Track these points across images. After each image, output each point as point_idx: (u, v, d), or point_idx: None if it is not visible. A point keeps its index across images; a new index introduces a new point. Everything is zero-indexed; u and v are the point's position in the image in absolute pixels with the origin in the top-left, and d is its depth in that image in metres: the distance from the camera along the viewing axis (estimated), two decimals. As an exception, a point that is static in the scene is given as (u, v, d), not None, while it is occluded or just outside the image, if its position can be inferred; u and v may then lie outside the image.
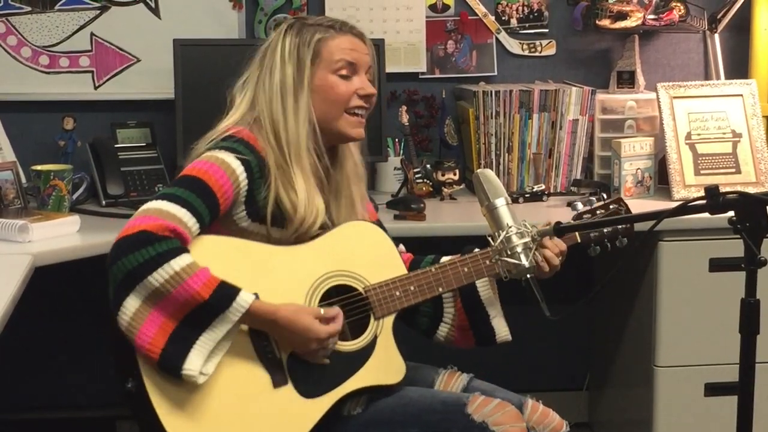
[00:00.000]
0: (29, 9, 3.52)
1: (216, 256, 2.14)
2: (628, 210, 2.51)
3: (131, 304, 2.05)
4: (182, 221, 2.10)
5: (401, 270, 2.37)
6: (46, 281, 2.68)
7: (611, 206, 2.49)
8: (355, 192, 2.41)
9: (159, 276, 2.03)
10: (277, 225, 2.27)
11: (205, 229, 2.17)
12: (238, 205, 2.24)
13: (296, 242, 2.28)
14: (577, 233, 2.46)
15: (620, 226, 2.48)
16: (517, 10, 3.72)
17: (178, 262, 2.04)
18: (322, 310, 2.19)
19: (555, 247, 2.39)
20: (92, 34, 3.56)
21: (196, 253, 2.11)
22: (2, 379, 3.55)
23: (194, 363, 2.06)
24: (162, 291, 2.04)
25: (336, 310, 2.22)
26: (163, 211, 2.09)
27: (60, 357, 3.68)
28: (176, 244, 2.07)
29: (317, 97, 2.31)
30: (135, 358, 2.08)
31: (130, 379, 2.11)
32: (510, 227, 2.26)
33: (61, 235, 2.84)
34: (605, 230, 2.47)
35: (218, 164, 2.19)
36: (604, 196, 2.46)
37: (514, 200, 3.25)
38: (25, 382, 3.68)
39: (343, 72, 2.32)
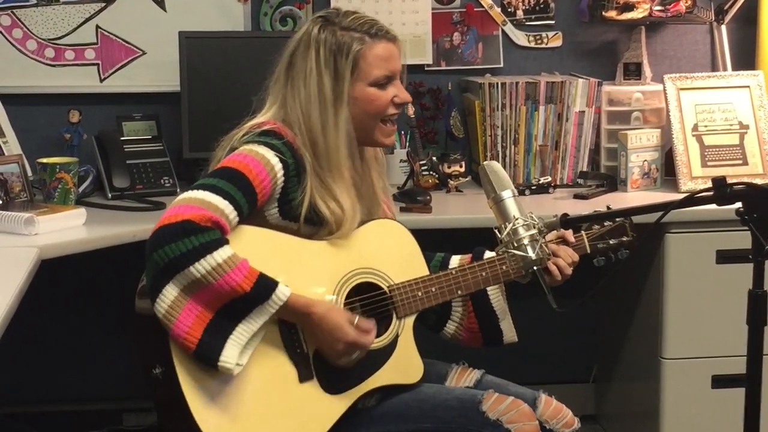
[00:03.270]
0: (35, 2, 3.52)
1: (247, 246, 2.14)
2: (632, 224, 2.52)
3: (170, 293, 2.04)
4: (224, 213, 2.10)
5: (424, 270, 2.38)
6: (52, 274, 2.68)
7: (616, 219, 2.50)
8: (375, 177, 2.41)
9: (201, 267, 2.03)
10: (310, 224, 2.27)
11: (242, 221, 2.17)
12: (272, 202, 2.24)
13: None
14: (587, 244, 2.47)
15: (625, 239, 2.49)
16: (523, 1, 3.71)
17: (221, 254, 2.04)
18: (356, 318, 2.20)
19: (568, 257, 2.41)
20: (98, 27, 3.56)
21: (230, 242, 2.11)
22: (8, 372, 3.55)
23: (230, 354, 2.06)
24: (203, 282, 2.04)
25: (371, 324, 2.22)
26: (205, 201, 2.09)
27: (66, 350, 3.69)
28: (218, 235, 2.07)
29: (355, 108, 2.29)
30: (167, 344, 2.08)
31: (158, 365, 2.11)
32: (516, 219, 2.26)
33: (67, 228, 2.84)
34: (611, 242, 2.49)
35: (258, 159, 2.19)
36: (610, 206, 2.47)
37: (521, 192, 3.25)
38: (31, 375, 3.69)
39: (381, 83, 2.30)
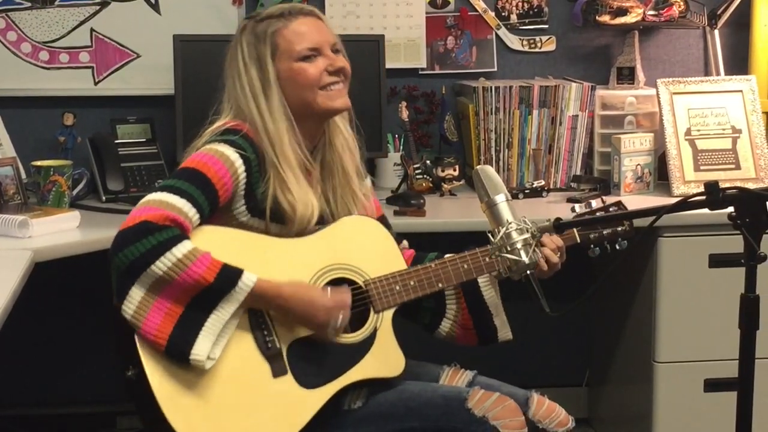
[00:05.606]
0: (29, 5, 3.52)
1: (216, 246, 2.16)
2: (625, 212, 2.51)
3: (136, 294, 2.07)
4: (182, 211, 2.12)
5: (401, 265, 2.38)
6: (46, 277, 2.69)
7: (611, 208, 2.50)
8: (349, 165, 2.41)
9: (162, 264, 2.05)
10: (276, 221, 2.28)
11: (205, 220, 2.19)
12: (238, 200, 2.25)
13: (296, 235, 2.29)
14: (576, 234, 2.47)
15: (620, 228, 2.49)
16: (516, 5, 3.72)
17: (180, 249, 2.07)
18: (329, 291, 2.21)
19: (552, 243, 2.40)
20: (92, 30, 3.56)
21: (197, 243, 2.12)
22: (2, 375, 3.55)
23: (202, 348, 2.08)
24: (166, 278, 2.06)
25: (344, 288, 2.24)
26: (163, 201, 2.12)
27: (60, 352, 3.69)
28: (176, 232, 2.09)
29: (288, 87, 2.31)
30: (135, 345, 2.09)
31: (131, 366, 2.12)
32: (510, 223, 2.26)
33: (61, 231, 2.85)
34: (605, 232, 2.48)
35: (217, 156, 2.22)
36: (604, 199, 2.47)
37: (514, 196, 3.25)
38: (25, 378, 3.68)
39: (306, 56, 2.31)
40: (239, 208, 2.26)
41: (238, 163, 2.23)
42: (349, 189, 2.40)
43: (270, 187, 2.26)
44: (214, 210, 2.21)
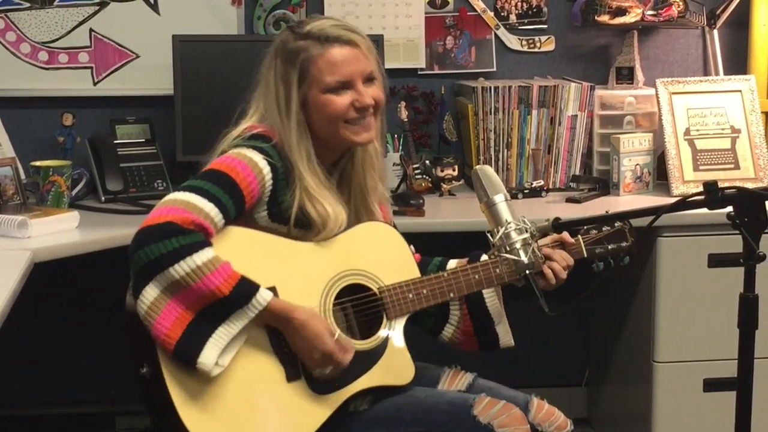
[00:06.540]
0: (28, 5, 3.52)
1: (236, 247, 2.15)
2: (632, 228, 2.51)
3: (150, 293, 2.06)
4: (209, 215, 2.11)
5: (415, 273, 2.38)
6: (45, 277, 2.68)
7: (616, 224, 2.50)
8: (369, 183, 2.39)
9: (180, 268, 2.04)
10: (299, 227, 2.27)
11: (229, 224, 2.18)
12: (261, 205, 2.24)
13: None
14: (584, 248, 2.46)
15: (623, 244, 2.49)
16: (516, 5, 3.72)
17: (201, 257, 2.06)
18: (338, 333, 2.19)
19: (563, 260, 2.41)
20: (91, 30, 3.56)
21: (218, 243, 2.12)
22: (1, 375, 3.55)
23: (209, 355, 2.07)
24: (182, 283, 2.05)
25: (350, 343, 2.22)
26: (190, 203, 2.10)
27: (59, 353, 3.68)
28: (200, 237, 2.08)
29: (314, 114, 2.29)
30: (153, 344, 2.09)
31: (145, 364, 2.12)
32: (509, 223, 2.27)
33: (60, 231, 2.84)
34: (610, 247, 2.48)
35: (246, 162, 2.20)
36: (608, 211, 2.47)
37: (513, 196, 3.25)
38: (24, 378, 3.68)
39: (335, 88, 2.28)
40: (261, 213, 2.25)
41: (266, 170, 2.21)
42: (365, 206, 2.40)
43: (296, 198, 2.25)
44: (240, 215, 2.19)
